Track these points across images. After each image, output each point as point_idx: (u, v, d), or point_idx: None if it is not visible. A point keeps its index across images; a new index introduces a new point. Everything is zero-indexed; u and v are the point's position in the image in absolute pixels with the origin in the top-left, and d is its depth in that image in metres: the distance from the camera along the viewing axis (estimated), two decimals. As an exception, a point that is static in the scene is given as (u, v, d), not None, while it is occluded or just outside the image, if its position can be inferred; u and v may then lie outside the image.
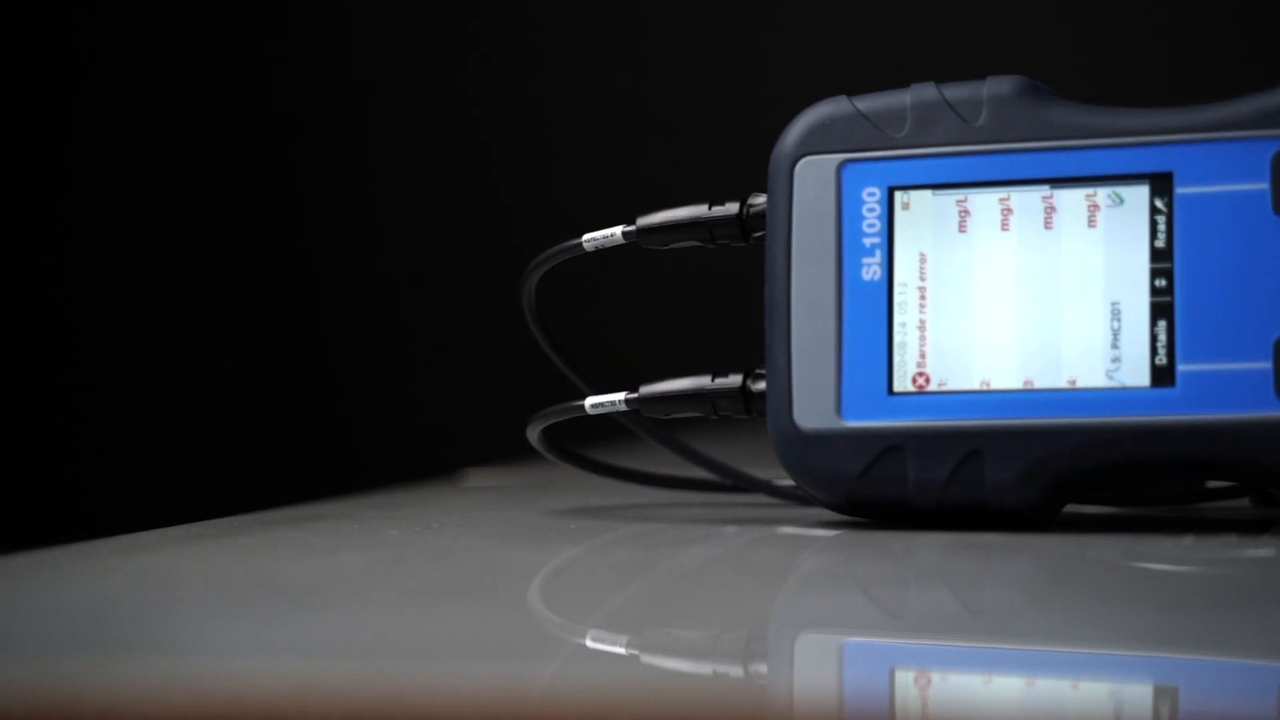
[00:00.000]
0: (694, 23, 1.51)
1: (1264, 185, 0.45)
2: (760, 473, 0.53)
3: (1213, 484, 0.51)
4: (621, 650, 0.34)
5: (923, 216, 0.48)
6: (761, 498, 0.54)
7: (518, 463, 0.56)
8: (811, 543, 0.47)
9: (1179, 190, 0.46)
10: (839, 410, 0.47)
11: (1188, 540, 0.46)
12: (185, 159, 1.57)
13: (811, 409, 0.47)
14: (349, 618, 0.37)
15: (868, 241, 0.48)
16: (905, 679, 0.32)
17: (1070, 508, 0.51)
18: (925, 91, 0.48)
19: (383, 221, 1.55)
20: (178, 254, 1.58)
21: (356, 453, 1.50)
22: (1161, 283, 0.45)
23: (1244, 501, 0.51)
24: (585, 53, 1.53)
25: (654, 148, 1.49)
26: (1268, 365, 0.44)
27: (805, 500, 0.49)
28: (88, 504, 1.52)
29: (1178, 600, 0.38)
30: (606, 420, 0.52)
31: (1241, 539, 0.46)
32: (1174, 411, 0.45)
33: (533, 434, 0.53)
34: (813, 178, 0.48)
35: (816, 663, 0.34)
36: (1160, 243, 0.45)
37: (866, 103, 0.48)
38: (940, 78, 0.48)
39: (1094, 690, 0.30)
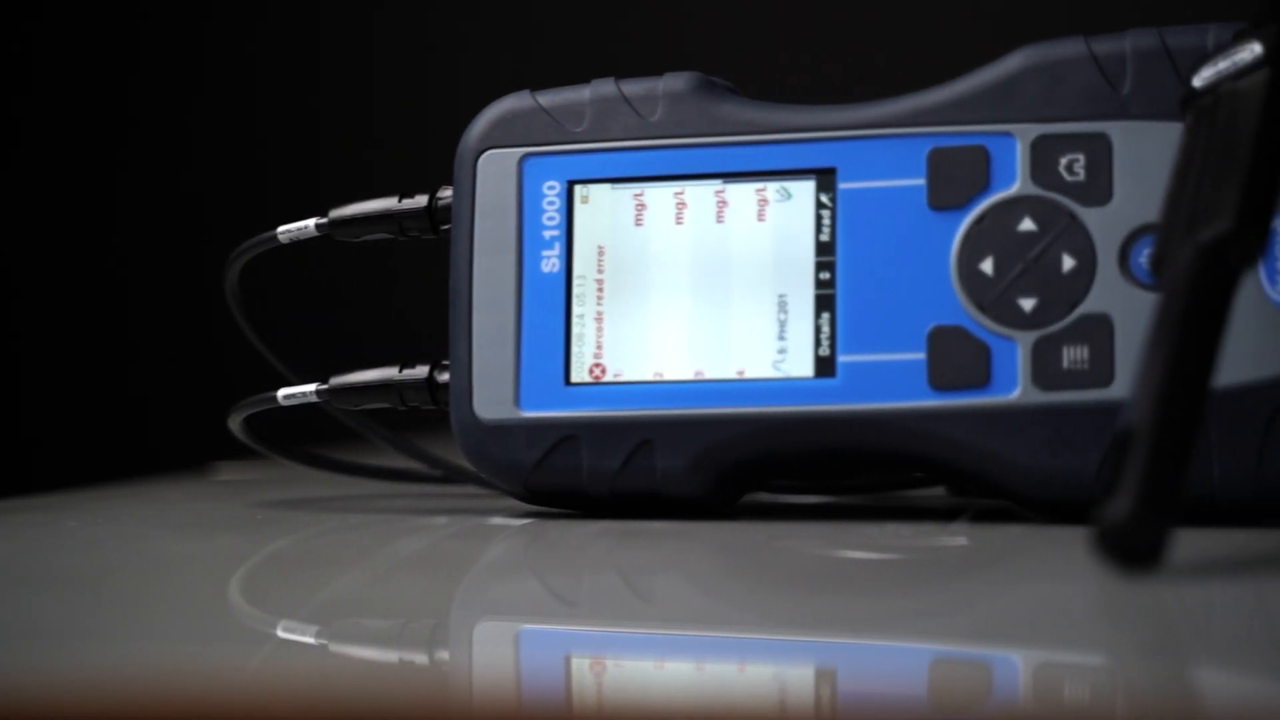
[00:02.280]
0: (398, 15, 1.50)
1: (921, 181, 0.45)
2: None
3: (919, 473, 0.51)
4: (311, 640, 0.34)
5: (601, 210, 0.47)
6: (473, 488, 0.54)
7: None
8: (506, 532, 0.47)
9: (842, 185, 0.46)
10: (517, 401, 0.47)
11: (889, 528, 0.46)
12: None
13: (490, 399, 0.47)
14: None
15: (547, 234, 0.48)
16: (581, 665, 0.32)
17: (771, 496, 0.52)
18: (604, 87, 0.48)
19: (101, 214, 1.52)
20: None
21: (134, 444, 1.46)
22: (825, 275, 0.46)
23: (940, 490, 0.52)
24: (284, 44, 1.51)
25: (357, 139, 1.47)
26: (922, 356, 0.44)
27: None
28: None
29: (850, 585, 0.38)
30: (369, 413, 0.51)
31: (940, 526, 0.47)
32: (835, 401, 0.45)
33: (234, 424, 0.53)
34: (495, 171, 0.48)
35: (495, 649, 0.34)
36: (825, 236, 0.46)
37: (548, 98, 0.48)
38: (612, 74, 0.49)
39: (760, 673, 0.31)
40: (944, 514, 0.49)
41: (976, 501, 0.50)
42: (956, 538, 0.45)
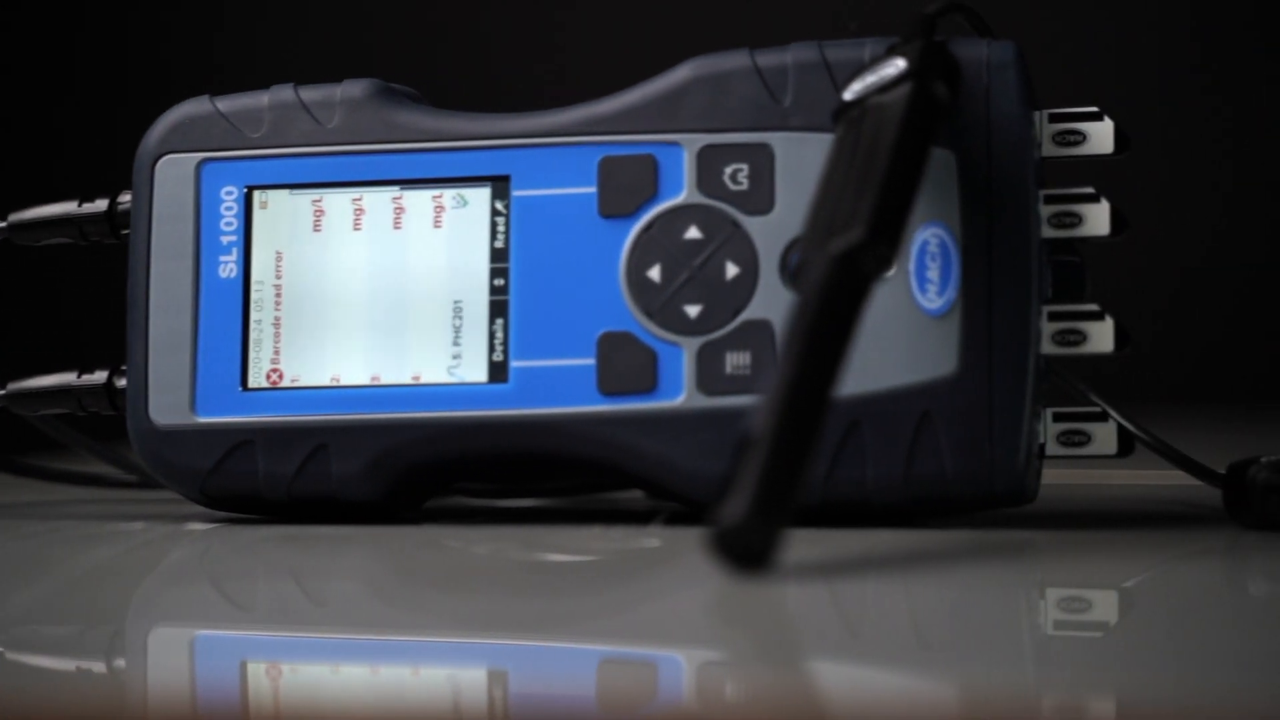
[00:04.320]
0: (86, 15, 1.46)
1: (592, 189, 0.45)
2: None
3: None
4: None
5: (280, 215, 0.47)
6: (170, 492, 0.53)
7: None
8: (190, 537, 0.46)
9: (516, 193, 0.46)
10: (193, 406, 0.46)
11: (594, 530, 0.46)
12: None
13: (167, 405, 0.46)
14: None
15: (225, 240, 0.47)
16: (256, 670, 0.32)
17: (482, 501, 0.52)
18: (282, 93, 0.47)
19: None
20: None
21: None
22: (500, 282, 0.45)
23: (638, 493, 0.52)
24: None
25: (38, 141, 1.44)
26: (591, 361, 0.44)
27: None
28: None
29: (531, 587, 0.38)
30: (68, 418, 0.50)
31: (637, 529, 0.47)
32: (507, 406, 0.45)
33: None
34: (172, 176, 0.47)
35: (170, 656, 0.33)
36: (499, 243, 0.46)
37: (226, 103, 0.48)
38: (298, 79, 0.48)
39: (433, 675, 0.31)
40: (642, 516, 0.49)
41: (672, 504, 0.50)
42: (650, 539, 0.45)
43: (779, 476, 0.34)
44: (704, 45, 0.47)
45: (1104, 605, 0.36)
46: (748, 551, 0.33)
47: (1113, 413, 0.44)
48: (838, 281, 0.37)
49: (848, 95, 0.42)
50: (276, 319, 0.46)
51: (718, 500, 0.34)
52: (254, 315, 0.46)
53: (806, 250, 0.38)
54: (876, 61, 0.42)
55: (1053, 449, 0.44)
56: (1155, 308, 1.40)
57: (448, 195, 0.46)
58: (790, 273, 0.38)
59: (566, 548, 0.44)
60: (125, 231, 0.48)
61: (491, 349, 0.45)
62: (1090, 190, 0.43)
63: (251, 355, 0.46)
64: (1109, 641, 0.32)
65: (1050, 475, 0.46)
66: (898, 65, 0.41)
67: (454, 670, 0.31)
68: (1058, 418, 0.44)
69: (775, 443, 0.34)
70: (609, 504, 0.53)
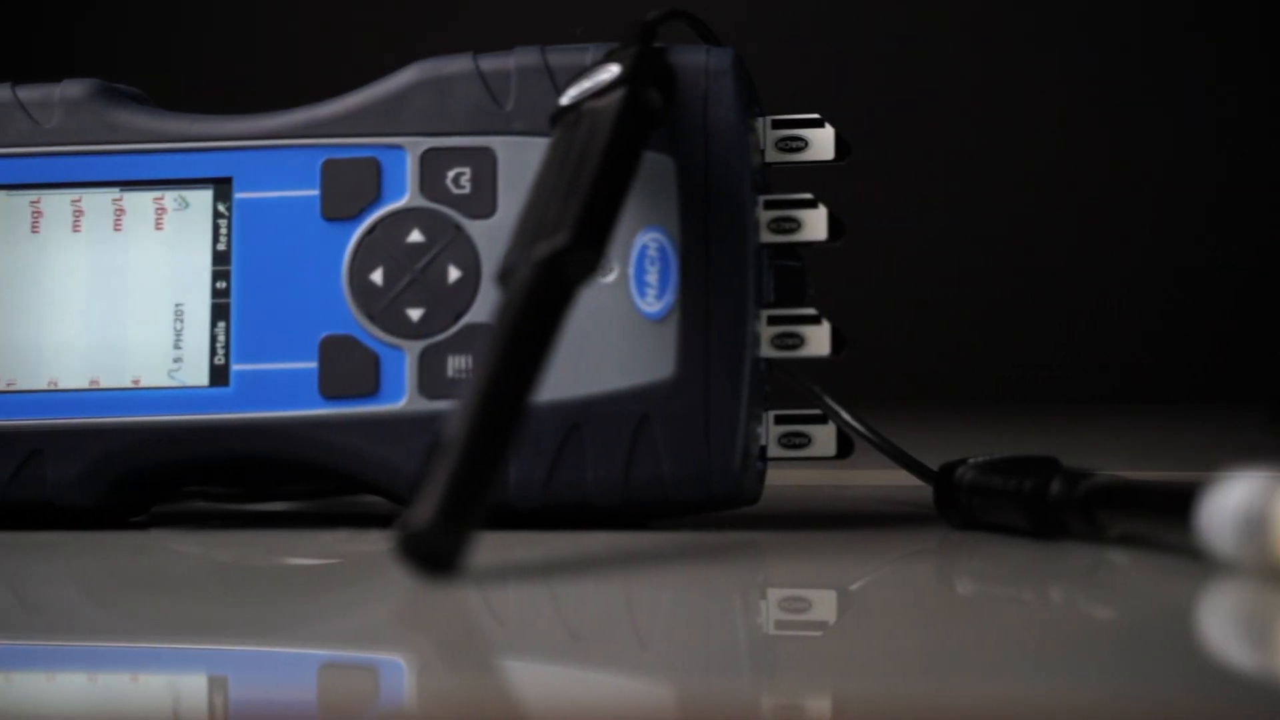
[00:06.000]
0: None
1: (314, 191, 0.44)
2: None
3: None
4: None
5: None
6: None
7: None
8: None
9: (238, 195, 0.45)
10: None
11: (340, 534, 0.46)
12: None
13: None
14: None
15: None
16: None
17: (203, 504, 0.51)
18: (-1, 92, 0.46)
19: None
20: None
21: None
22: (222, 285, 0.45)
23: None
24: None
25: None
26: (314, 365, 0.44)
27: None
28: None
29: (253, 592, 0.38)
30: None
31: (376, 533, 0.46)
32: (229, 410, 0.44)
33: None
34: None
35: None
36: (222, 246, 0.45)
37: (-55, 102, 0.46)
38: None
39: (153, 682, 0.30)
40: (387, 519, 0.49)
41: None
42: (373, 544, 0.45)
43: (467, 481, 0.33)
44: (429, 49, 0.47)
45: (823, 605, 0.36)
46: (433, 556, 0.33)
47: (842, 412, 0.44)
48: (540, 286, 0.37)
49: (564, 100, 0.42)
50: None
51: (408, 505, 0.33)
52: (-32, 318, 0.45)
53: (513, 255, 0.38)
54: (594, 67, 0.42)
55: (775, 451, 0.44)
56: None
57: (169, 197, 0.45)
58: (495, 277, 0.38)
59: (307, 551, 0.43)
60: None
61: (213, 352, 0.44)
62: (809, 196, 0.44)
63: (-35, 359, 0.45)
64: (827, 641, 0.33)
65: (787, 476, 0.46)
66: (611, 71, 0.41)
67: (174, 676, 0.30)
68: (779, 420, 0.44)
69: (465, 447, 0.34)
70: (361, 507, 0.52)
